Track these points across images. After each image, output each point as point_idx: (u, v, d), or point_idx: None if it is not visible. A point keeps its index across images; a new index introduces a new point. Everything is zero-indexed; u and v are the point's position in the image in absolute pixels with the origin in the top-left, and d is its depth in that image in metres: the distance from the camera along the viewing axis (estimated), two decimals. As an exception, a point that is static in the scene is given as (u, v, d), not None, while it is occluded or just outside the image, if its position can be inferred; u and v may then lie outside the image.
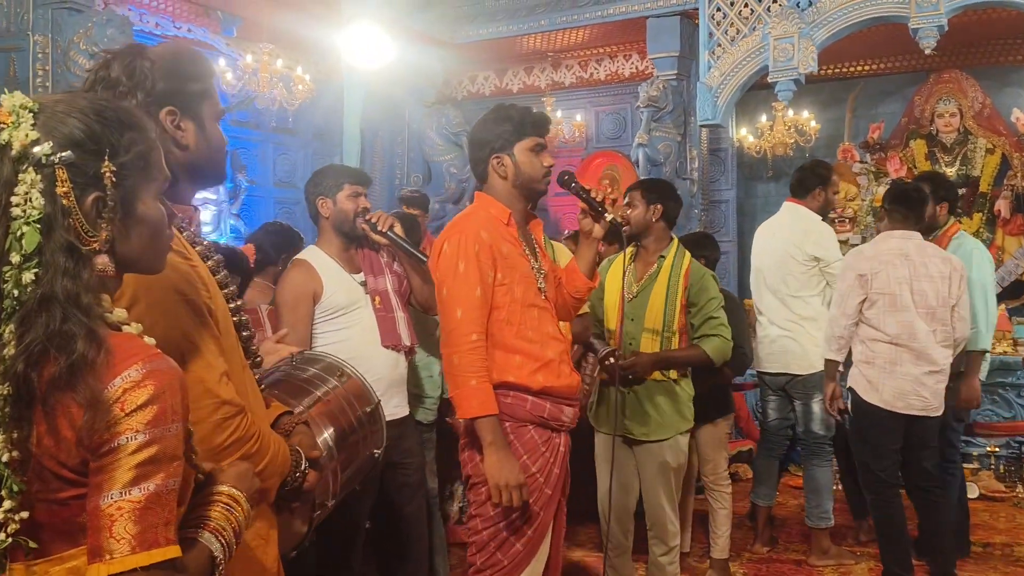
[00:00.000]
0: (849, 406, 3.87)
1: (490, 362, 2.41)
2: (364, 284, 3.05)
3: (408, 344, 3.08)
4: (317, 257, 3.04)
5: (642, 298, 3.45)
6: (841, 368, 3.89)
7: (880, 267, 3.66)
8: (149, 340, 1.15)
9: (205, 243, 1.58)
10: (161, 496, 1.05)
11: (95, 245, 1.12)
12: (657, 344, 3.40)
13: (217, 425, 1.41)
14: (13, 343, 1.04)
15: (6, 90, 1.16)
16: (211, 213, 6.93)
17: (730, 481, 4.15)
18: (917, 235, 3.75)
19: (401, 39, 6.44)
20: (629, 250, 3.53)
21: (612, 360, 3.31)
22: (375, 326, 3.00)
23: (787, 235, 4.28)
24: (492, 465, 2.36)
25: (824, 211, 4.41)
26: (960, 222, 4.86)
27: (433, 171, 7.88)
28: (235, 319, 1.60)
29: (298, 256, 3.14)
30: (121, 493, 1.03)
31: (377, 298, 3.05)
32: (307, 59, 7.03)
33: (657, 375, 3.37)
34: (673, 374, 3.38)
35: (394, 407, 3.02)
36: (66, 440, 1.04)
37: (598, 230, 2.60)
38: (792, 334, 4.22)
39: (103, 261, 1.14)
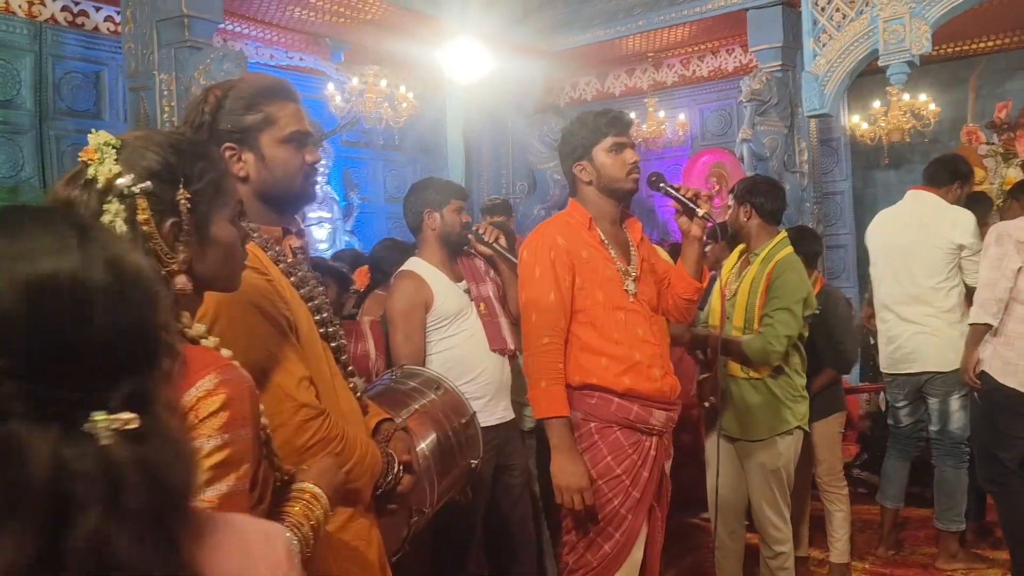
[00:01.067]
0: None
1: (576, 364, 2.44)
2: (468, 292, 3.13)
3: (512, 348, 3.13)
4: (423, 267, 3.10)
5: (734, 296, 3.40)
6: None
7: None
8: (225, 352, 1.24)
9: (290, 260, 1.68)
10: (232, 496, 1.13)
11: (174, 266, 1.22)
12: None
13: (299, 427, 1.50)
14: None
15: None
16: (326, 231, 7.23)
17: (846, 482, 4.00)
18: None
19: (500, 52, 6.56)
20: (737, 249, 3.53)
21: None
22: (482, 332, 3.07)
23: (923, 224, 4.05)
24: (556, 467, 2.39)
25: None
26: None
27: (537, 179, 7.96)
28: (322, 331, 1.69)
29: (404, 268, 3.18)
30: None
31: (482, 304, 3.12)
32: (410, 77, 7.25)
33: (738, 371, 3.28)
34: (752, 372, 3.25)
35: (502, 411, 3.10)
36: None
37: (695, 228, 2.58)
38: (931, 329, 3.99)
39: (182, 281, 1.24)
